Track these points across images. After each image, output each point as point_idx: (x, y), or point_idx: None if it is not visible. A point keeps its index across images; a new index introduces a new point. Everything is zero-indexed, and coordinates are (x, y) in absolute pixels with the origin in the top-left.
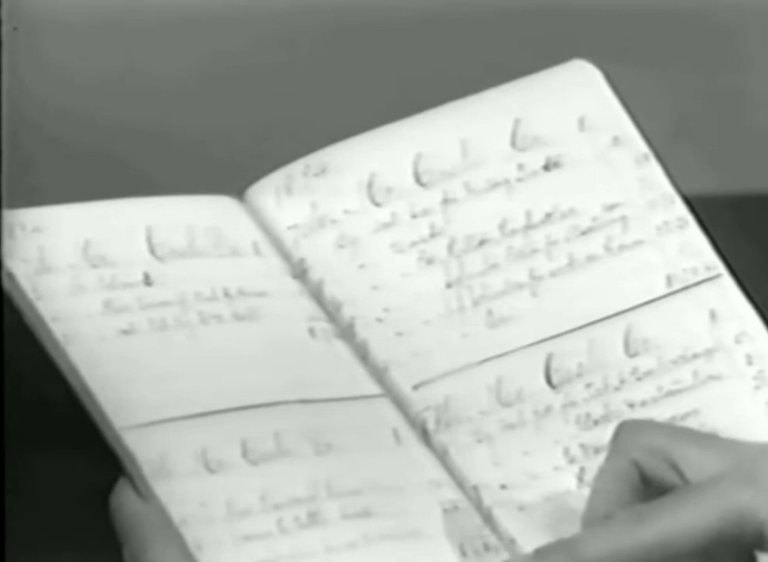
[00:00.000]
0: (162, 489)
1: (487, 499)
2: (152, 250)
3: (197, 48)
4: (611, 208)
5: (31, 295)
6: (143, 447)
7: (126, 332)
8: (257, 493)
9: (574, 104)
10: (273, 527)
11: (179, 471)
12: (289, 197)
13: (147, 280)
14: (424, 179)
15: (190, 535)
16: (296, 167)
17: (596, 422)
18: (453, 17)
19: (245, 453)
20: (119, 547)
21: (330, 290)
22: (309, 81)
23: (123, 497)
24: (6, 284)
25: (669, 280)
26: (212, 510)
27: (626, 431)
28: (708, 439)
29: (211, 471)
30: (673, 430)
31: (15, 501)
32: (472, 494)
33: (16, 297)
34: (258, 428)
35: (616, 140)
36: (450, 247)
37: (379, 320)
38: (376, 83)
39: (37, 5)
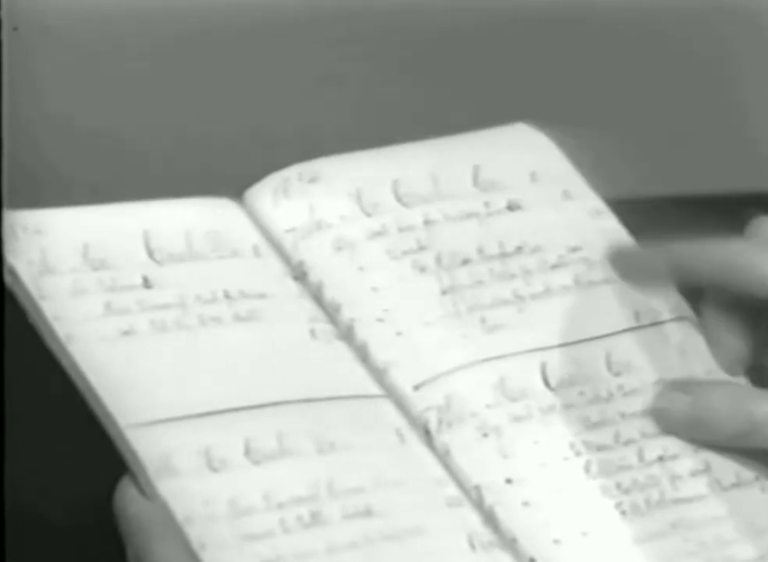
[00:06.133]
0: (165, 488)
1: (489, 498)
2: (150, 254)
3: (196, 51)
4: (574, 250)
5: (35, 295)
6: (146, 446)
7: (127, 333)
8: (260, 492)
9: (523, 161)
10: (276, 526)
11: (183, 470)
12: (287, 200)
13: (147, 283)
14: (405, 200)
15: (193, 533)
16: (291, 172)
17: (595, 425)
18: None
19: (248, 453)
20: (122, 547)
21: (329, 292)
22: (307, 85)
23: (126, 496)
24: (9, 283)
25: (637, 316)
26: (215, 509)
27: None
28: None
29: (214, 470)
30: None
31: (15, 500)
32: (474, 494)
33: (19, 296)
34: (261, 428)
35: (566, 194)
36: (438, 260)
37: (380, 320)
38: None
39: (37, 5)
